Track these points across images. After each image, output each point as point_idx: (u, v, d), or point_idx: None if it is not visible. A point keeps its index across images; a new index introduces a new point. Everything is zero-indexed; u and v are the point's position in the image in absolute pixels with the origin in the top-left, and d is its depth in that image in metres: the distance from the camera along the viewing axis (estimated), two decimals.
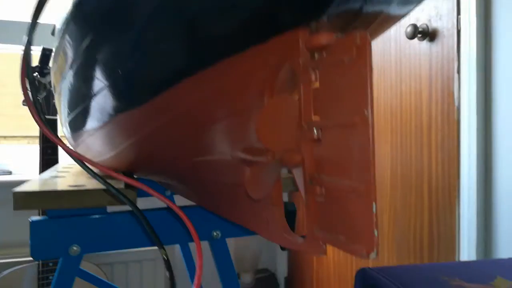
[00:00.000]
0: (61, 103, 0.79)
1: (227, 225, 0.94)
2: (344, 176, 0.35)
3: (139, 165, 0.83)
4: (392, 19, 0.52)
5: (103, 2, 0.51)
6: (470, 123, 1.43)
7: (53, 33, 0.87)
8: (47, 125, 0.59)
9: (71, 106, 0.75)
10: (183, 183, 0.81)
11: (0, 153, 2.59)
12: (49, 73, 1.90)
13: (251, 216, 0.54)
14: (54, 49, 0.69)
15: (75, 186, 0.80)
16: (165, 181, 0.98)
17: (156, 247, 0.75)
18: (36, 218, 0.78)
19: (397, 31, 1.78)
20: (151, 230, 0.57)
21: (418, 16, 1.64)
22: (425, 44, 1.60)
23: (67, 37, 0.58)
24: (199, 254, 0.52)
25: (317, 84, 0.39)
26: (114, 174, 0.49)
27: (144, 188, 0.52)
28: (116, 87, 0.59)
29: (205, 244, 1.07)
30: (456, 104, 1.47)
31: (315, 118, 0.40)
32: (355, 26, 0.44)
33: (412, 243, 1.68)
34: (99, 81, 0.59)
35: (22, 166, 2.59)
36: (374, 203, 0.32)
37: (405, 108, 1.70)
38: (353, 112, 0.34)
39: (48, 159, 1.93)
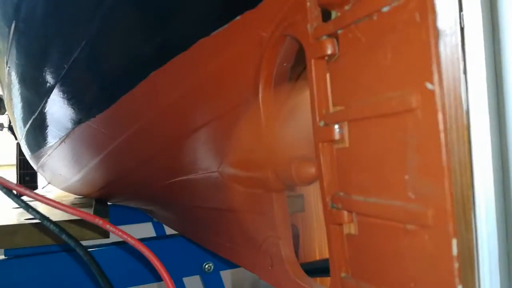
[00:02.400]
0: (14, 114, 0.65)
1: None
2: (392, 195, 0.22)
3: (110, 189, 0.69)
4: None
5: None
6: (482, 126, 1.31)
7: None
8: None
9: (24, 118, 0.61)
10: (162, 209, 0.67)
11: None
12: None
13: (247, 252, 0.40)
14: None
15: (30, 219, 0.66)
16: (147, 208, 0.84)
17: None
18: None
19: None
20: (98, 271, 0.43)
21: None
22: None
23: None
24: None
25: (336, 59, 0.26)
26: (60, 206, 0.35)
27: (111, 229, 0.38)
28: (68, 90, 0.46)
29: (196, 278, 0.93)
30: (464, 107, 1.35)
31: (334, 108, 0.27)
32: None
33: None
34: (47, 82, 0.46)
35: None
36: (454, 240, 0.19)
37: None
38: (406, 89, 0.21)
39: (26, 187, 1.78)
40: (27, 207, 0.39)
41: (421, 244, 0.21)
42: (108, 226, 0.35)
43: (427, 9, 0.20)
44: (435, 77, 0.20)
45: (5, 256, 0.66)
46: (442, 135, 0.20)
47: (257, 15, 0.32)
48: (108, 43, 0.38)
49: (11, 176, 1.89)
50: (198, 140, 0.45)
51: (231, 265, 0.79)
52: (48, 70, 0.44)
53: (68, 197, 1.00)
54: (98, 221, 0.34)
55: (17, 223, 0.63)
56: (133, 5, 0.35)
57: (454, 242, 0.19)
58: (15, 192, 0.43)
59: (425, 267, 0.21)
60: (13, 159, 1.93)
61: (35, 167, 0.86)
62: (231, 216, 0.43)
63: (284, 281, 0.34)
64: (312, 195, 1.51)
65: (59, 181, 0.83)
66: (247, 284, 2.36)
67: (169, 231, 1.09)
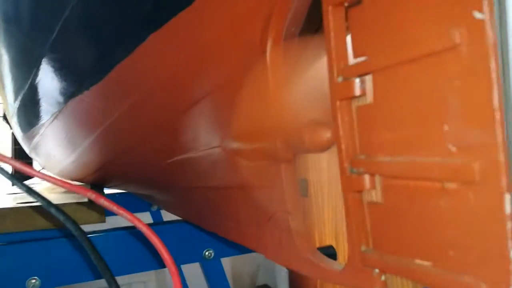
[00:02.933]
0: (4, 89, 0.62)
1: (221, 242, 0.77)
2: (427, 150, 0.18)
3: (107, 172, 0.66)
4: None
5: None
6: None
7: None
8: None
9: (14, 93, 0.57)
10: (161, 193, 0.64)
11: None
12: None
13: (252, 231, 0.37)
14: None
15: (27, 202, 0.63)
16: (145, 193, 0.81)
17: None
18: None
19: None
20: (98, 259, 0.40)
21: None
22: None
23: None
24: (176, 284, 0.35)
25: (357, 3, 0.23)
26: (66, 184, 0.32)
27: (105, 203, 0.35)
28: (58, 58, 0.42)
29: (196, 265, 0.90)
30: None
31: (355, 60, 0.24)
32: None
33: None
34: (35, 49, 0.42)
35: None
36: (507, 196, 0.16)
37: None
38: (446, 23, 0.17)
39: (21, 177, 1.75)
40: (29, 190, 0.36)
41: (464, 205, 0.18)
42: (102, 201, 0.31)
43: None
44: (485, 3, 0.17)
45: None
46: (493, 74, 0.16)
47: None
48: (102, 1, 0.35)
49: (6, 167, 1.85)
50: (200, 113, 0.42)
51: (232, 252, 0.76)
52: (36, 35, 0.40)
53: None
54: (91, 194, 0.31)
55: (8, 207, 0.60)
56: None
57: (508, 198, 0.16)
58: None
59: (468, 231, 0.18)
60: (7, 149, 1.90)
61: (27, 149, 0.82)
62: (236, 193, 0.40)
63: (294, 258, 0.31)
64: (311, 180, 1.48)
65: (53, 165, 0.80)
66: (247, 271, 2.34)
67: (167, 219, 1.06)
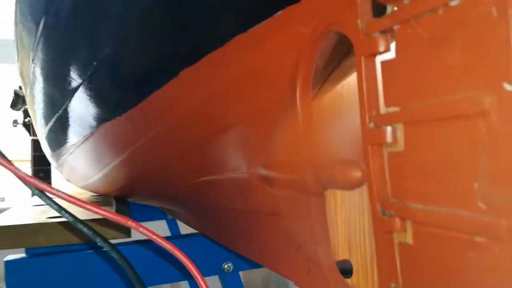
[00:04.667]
0: (35, 112, 0.64)
1: (239, 255, 0.79)
2: (458, 204, 0.20)
3: (132, 188, 0.68)
4: None
5: None
6: None
7: None
8: None
9: (46, 116, 0.60)
10: (185, 209, 0.66)
11: None
12: None
13: (280, 257, 0.39)
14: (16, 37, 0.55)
15: (55, 217, 0.65)
16: (167, 208, 0.83)
17: None
18: (12, 257, 0.64)
19: None
20: (132, 273, 0.42)
21: None
22: None
23: (26, 19, 0.44)
24: None
25: (390, 56, 0.25)
26: (88, 207, 0.34)
27: (145, 232, 0.37)
28: (95, 87, 0.45)
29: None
30: None
31: (387, 109, 0.25)
32: None
33: None
34: (73, 80, 0.45)
35: (15, 192, 2.45)
36: None
37: None
38: (478, 90, 0.19)
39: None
40: (60, 209, 0.38)
41: (491, 258, 0.19)
42: (142, 230, 0.33)
43: (506, 3, 0.18)
44: None
45: (26, 254, 0.65)
46: None
47: (300, 10, 0.30)
48: (141, 40, 0.37)
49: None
50: (228, 140, 0.44)
51: (251, 265, 0.78)
52: (76, 68, 0.43)
53: (84, 194, 1.00)
54: (131, 224, 0.33)
55: (40, 222, 0.63)
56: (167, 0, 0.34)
57: None
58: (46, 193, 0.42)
59: (494, 283, 0.19)
60: (26, 154, 1.94)
61: (54, 165, 0.85)
62: (263, 219, 0.41)
63: None
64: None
65: (78, 179, 0.82)
66: (259, 280, 2.34)
67: (183, 229, 1.08)
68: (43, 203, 0.42)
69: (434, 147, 0.22)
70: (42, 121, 0.63)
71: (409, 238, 0.25)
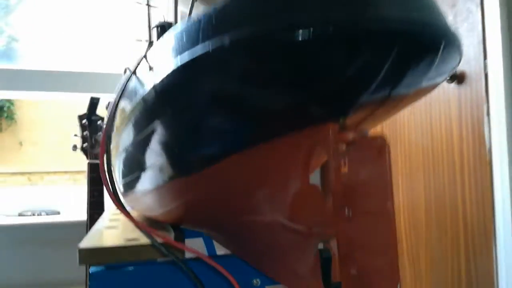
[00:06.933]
0: (116, 168, 0.89)
1: None
2: (371, 257, 0.41)
3: (186, 220, 0.91)
4: (418, 95, 0.58)
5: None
6: (502, 164, 1.45)
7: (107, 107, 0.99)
8: (119, 200, 0.68)
9: (126, 173, 0.85)
10: (223, 236, 0.88)
11: (47, 193, 2.77)
12: (96, 120, 2.05)
13: (293, 282, 0.60)
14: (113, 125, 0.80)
15: (132, 240, 0.88)
16: (211, 235, 1.06)
17: None
18: (95, 269, 0.86)
19: None
20: (199, 283, 0.65)
21: None
22: (453, 86, 1.64)
23: (132, 119, 0.68)
24: None
25: (346, 169, 0.46)
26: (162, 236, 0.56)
27: (184, 248, 0.60)
28: (174, 161, 0.68)
29: None
30: (487, 145, 1.50)
31: (346, 199, 0.47)
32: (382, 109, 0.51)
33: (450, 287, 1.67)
34: (158, 156, 0.68)
35: (69, 206, 2.74)
36: (398, 285, 0.38)
37: (437, 148, 1.73)
38: (376, 203, 0.40)
39: (94, 202, 2.06)
40: (176, 257, 0.62)
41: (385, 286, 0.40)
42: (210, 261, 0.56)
43: (386, 165, 0.40)
44: (390, 199, 0.39)
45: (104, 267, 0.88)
46: (392, 231, 0.39)
47: (304, 133, 0.52)
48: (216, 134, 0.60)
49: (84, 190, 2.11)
50: (260, 198, 0.66)
51: (277, 281, 0.98)
52: (155, 149, 0.67)
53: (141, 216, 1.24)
54: (206, 257, 0.56)
55: (121, 245, 0.86)
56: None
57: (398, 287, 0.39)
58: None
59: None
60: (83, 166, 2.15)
61: (122, 199, 1.10)
62: (279, 252, 0.63)
63: None
64: None
65: (142, 209, 1.06)
66: None
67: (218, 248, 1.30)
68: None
69: (362, 226, 0.43)
70: (121, 174, 0.88)
71: (356, 272, 0.46)
